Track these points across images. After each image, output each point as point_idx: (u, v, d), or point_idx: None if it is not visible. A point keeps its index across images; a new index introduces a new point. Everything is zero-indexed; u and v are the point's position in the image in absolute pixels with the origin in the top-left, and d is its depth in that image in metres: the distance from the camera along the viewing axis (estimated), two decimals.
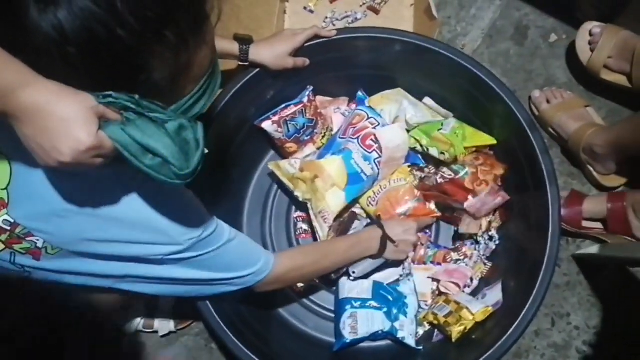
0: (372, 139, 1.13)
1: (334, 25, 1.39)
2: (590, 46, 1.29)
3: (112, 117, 0.56)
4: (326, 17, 1.39)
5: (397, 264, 1.18)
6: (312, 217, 1.12)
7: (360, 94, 1.23)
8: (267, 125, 1.16)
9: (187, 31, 0.57)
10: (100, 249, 0.69)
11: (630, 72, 1.21)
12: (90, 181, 0.65)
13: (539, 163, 1.03)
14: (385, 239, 1.05)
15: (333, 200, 1.10)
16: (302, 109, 1.16)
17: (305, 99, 1.16)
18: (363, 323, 1.08)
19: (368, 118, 1.15)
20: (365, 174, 1.12)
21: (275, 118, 1.15)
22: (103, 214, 0.66)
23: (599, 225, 1.22)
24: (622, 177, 1.27)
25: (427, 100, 1.22)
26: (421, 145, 1.17)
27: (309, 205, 1.12)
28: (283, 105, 1.16)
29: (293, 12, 1.40)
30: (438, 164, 1.19)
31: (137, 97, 0.56)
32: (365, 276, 1.12)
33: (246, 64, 1.06)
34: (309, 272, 0.98)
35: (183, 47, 0.57)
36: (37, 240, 0.67)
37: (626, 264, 1.24)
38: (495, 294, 1.07)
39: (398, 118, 1.17)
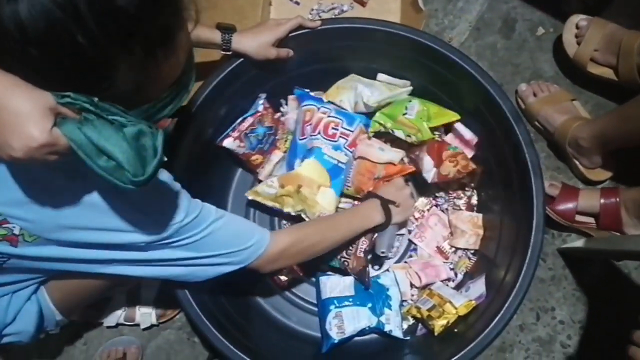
0: (332, 128, 1.13)
1: (320, 17, 1.37)
2: (577, 39, 1.29)
3: (69, 115, 0.54)
4: (312, 9, 1.38)
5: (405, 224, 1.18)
6: None
7: (297, 90, 1.22)
8: (228, 142, 1.13)
9: (156, 44, 0.55)
10: (79, 236, 0.68)
11: (617, 65, 1.21)
12: (65, 166, 0.64)
13: (523, 155, 1.03)
14: (386, 203, 1.03)
15: (325, 201, 1.10)
16: (259, 119, 1.14)
17: (261, 108, 1.15)
18: (349, 321, 1.07)
19: (319, 109, 1.15)
20: (342, 162, 1.12)
21: (235, 134, 1.13)
22: (79, 199, 0.65)
23: (591, 220, 1.22)
24: (607, 171, 1.26)
25: (381, 76, 1.20)
26: (385, 128, 1.15)
27: (303, 215, 1.10)
28: (240, 119, 1.13)
29: (279, 3, 1.38)
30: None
31: (96, 99, 0.54)
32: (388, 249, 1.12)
33: (229, 53, 1.04)
34: (312, 245, 0.94)
35: (151, 60, 0.56)
36: (14, 227, 0.67)
37: (611, 257, 1.24)
38: (478, 287, 1.06)
39: (357, 104, 1.16)
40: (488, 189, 1.19)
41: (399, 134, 1.13)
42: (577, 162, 1.26)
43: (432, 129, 1.12)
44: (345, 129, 1.15)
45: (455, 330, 1.03)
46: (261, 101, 1.15)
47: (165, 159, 0.59)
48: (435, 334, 1.02)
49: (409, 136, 1.12)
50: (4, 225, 0.67)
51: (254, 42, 1.04)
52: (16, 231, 0.67)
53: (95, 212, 0.67)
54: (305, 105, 1.17)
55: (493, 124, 1.10)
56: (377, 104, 1.15)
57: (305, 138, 1.15)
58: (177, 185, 0.76)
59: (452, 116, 1.14)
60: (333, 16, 1.38)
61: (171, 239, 0.73)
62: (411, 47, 1.11)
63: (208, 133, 1.14)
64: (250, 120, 1.13)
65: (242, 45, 1.03)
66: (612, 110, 1.19)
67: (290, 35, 1.08)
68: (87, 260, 0.73)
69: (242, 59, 1.07)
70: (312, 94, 1.22)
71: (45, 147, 0.53)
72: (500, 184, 1.13)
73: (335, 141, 1.13)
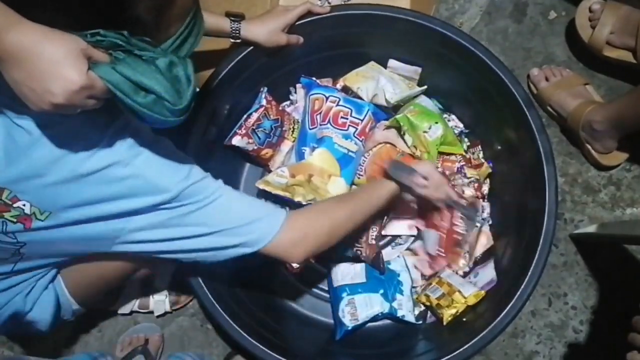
0: (342, 117, 1.13)
1: (329, 3, 1.36)
2: (591, 23, 1.26)
3: (100, 58, 0.56)
4: None
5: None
6: None
7: (304, 79, 1.22)
8: (237, 141, 1.13)
9: None
10: (86, 212, 0.69)
11: (635, 47, 1.19)
12: (68, 133, 0.65)
13: (535, 141, 1.02)
14: (402, 165, 0.96)
15: (336, 190, 1.09)
16: (264, 113, 1.14)
17: (264, 101, 1.14)
18: (362, 308, 1.08)
19: (327, 98, 1.15)
20: (352, 152, 1.12)
21: (242, 131, 1.12)
22: (79, 173, 0.66)
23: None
24: (621, 155, 1.25)
25: (392, 62, 1.20)
26: (401, 127, 1.15)
27: None
28: (245, 116, 1.13)
29: None
30: None
31: (125, 33, 0.56)
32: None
33: (238, 41, 1.04)
34: (335, 224, 0.86)
35: None
36: (24, 205, 0.68)
37: (624, 242, 1.23)
38: (487, 273, 1.06)
39: (376, 96, 1.16)
40: (499, 176, 1.18)
41: (408, 139, 1.14)
42: (589, 148, 1.24)
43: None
44: (355, 117, 1.14)
45: (464, 319, 1.03)
46: (263, 95, 1.15)
47: (197, 89, 0.61)
48: (444, 323, 1.03)
49: (415, 147, 1.13)
50: (15, 205, 0.68)
51: (264, 29, 1.04)
52: (27, 210, 0.68)
53: (96, 184, 0.67)
54: (313, 94, 1.16)
55: (504, 109, 1.09)
56: (397, 102, 1.15)
57: (315, 127, 1.15)
58: (179, 151, 0.76)
59: (459, 149, 1.16)
60: (342, 2, 1.36)
61: (176, 201, 0.71)
62: (421, 33, 1.10)
63: (217, 127, 1.13)
64: (255, 115, 1.12)
65: (252, 32, 1.03)
66: (627, 93, 1.17)
67: (298, 22, 1.07)
68: (99, 238, 0.73)
69: (251, 48, 1.07)
70: (319, 81, 1.22)
71: (85, 90, 0.55)
72: (512, 171, 1.13)
73: (346, 130, 1.13)
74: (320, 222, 0.85)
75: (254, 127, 1.13)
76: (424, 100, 1.19)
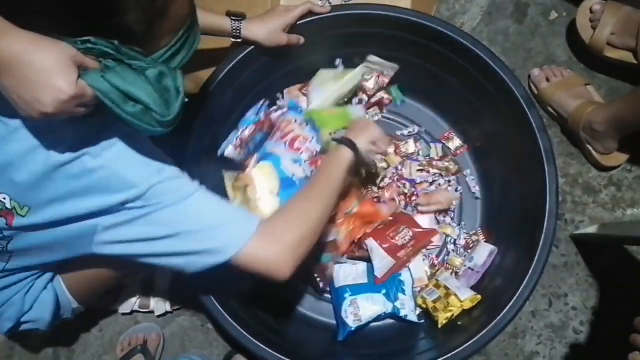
0: (299, 141, 1.11)
1: (330, 3, 1.36)
2: (592, 24, 1.26)
3: (91, 65, 0.56)
4: None
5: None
6: None
7: (291, 101, 1.20)
8: (229, 152, 1.12)
9: None
10: (62, 209, 0.68)
11: (636, 48, 1.19)
12: (43, 126, 0.64)
13: (536, 142, 1.02)
14: (342, 141, 0.92)
15: (267, 208, 1.05)
16: (260, 127, 1.14)
17: (262, 115, 1.14)
18: (365, 309, 1.08)
19: (296, 122, 1.14)
20: (297, 177, 1.08)
21: (237, 142, 1.12)
22: (56, 159, 0.65)
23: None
24: (621, 156, 1.25)
25: (371, 57, 1.19)
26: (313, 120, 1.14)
27: None
28: (242, 129, 1.12)
29: None
30: None
31: (116, 42, 0.56)
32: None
33: (239, 40, 1.04)
34: (313, 221, 0.79)
35: None
36: (4, 198, 0.68)
37: (624, 243, 1.23)
38: (482, 251, 1.09)
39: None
40: (500, 176, 1.18)
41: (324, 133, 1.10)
42: (590, 148, 1.25)
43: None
44: (313, 146, 1.12)
45: (460, 323, 1.03)
46: (263, 109, 1.15)
47: (187, 100, 0.61)
48: (439, 326, 1.03)
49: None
50: None
51: (264, 29, 1.04)
52: (8, 204, 0.68)
53: (67, 177, 0.66)
54: (289, 115, 1.16)
55: (506, 110, 1.09)
56: (312, 110, 1.14)
57: (271, 141, 1.14)
58: (154, 147, 0.73)
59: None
60: (343, 2, 1.36)
61: (143, 201, 0.68)
62: (422, 34, 1.10)
63: (215, 126, 1.13)
64: (252, 128, 1.12)
65: (252, 32, 1.03)
66: (628, 93, 1.17)
67: (299, 22, 1.08)
68: (75, 238, 0.72)
69: (251, 48, 1.07)
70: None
71: (75, 99, 0.54)
72: (513, 171, 1.13)
73: (299, 154, 1.10)
74: (298, 224, 0.78)
75: (247, 141, 1.13)
76: (356, 110, 1.18)
